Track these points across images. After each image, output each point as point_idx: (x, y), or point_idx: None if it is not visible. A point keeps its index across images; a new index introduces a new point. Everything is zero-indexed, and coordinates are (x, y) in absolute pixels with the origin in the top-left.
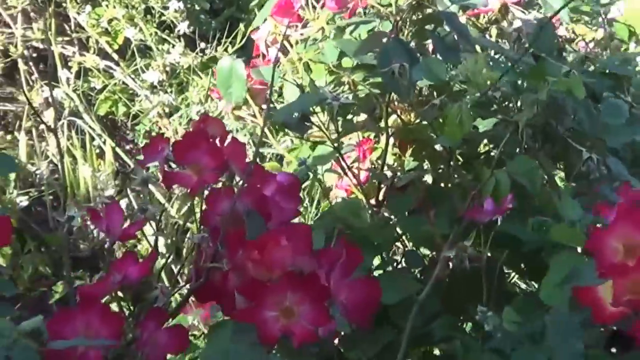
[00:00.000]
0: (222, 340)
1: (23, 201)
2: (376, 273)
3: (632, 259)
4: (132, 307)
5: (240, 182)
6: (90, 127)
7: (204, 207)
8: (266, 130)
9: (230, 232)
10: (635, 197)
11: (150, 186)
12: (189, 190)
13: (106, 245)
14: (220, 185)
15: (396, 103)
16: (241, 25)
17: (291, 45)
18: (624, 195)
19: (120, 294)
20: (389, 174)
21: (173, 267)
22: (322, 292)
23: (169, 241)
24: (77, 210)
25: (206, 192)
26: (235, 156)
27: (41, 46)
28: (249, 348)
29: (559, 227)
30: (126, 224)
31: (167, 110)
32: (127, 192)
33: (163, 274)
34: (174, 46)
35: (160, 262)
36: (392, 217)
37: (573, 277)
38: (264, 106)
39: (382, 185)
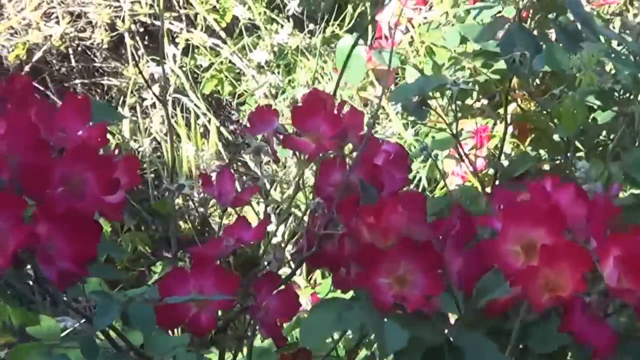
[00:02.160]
0: (337, 308)
1: None
2: None
3: (534, 258)
4: (243, 273)
5: (354, 153)
6: (195, 105)
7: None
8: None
9: (345, 199)
10: (510, 197)
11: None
12: (306, 157)
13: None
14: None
15: (516, 91)
16: (349, 7)
17: (414, 28)
18: (499, 199)
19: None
20: (505, 162)
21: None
22: (436, 261)
23: (278, 211)
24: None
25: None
26: (353, 125)
27: (148, 21)
28: (365, 312)
29: None
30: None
31: (273, 91)
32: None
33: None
34: (282, 26)
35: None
36: None
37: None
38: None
39: (499, 174)
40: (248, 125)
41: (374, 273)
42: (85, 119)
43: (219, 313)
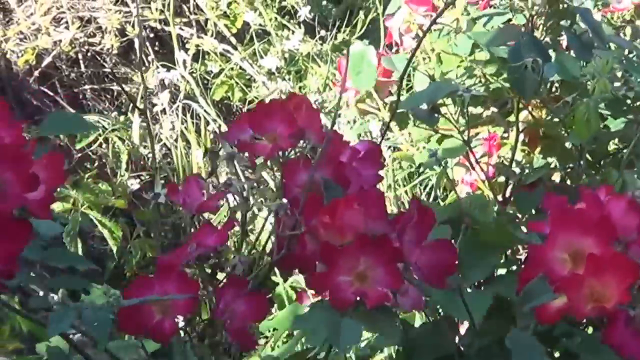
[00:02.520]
0: (298, 310)
1: (134, 184)
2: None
3: (580, 266)
4: (209, 278)
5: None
6: (205, 111)
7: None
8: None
9: (307, 198)
10: (560, 203)
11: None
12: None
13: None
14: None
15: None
16: (361, 13)
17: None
18: (548, 204)
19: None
20: (517, 170)
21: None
22: (394, 255)
23: (249, 214)
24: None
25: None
26: (310, 123)
27: (158, 26)
28: (323, 312)
29: None
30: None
31: (284, 97)
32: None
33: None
34: (293, 32)
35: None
36: (519, 214)
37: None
38: (389, 99)
39: (510, 182)
40: (226, 133)
41: (333, 271)
42: (4, 119)
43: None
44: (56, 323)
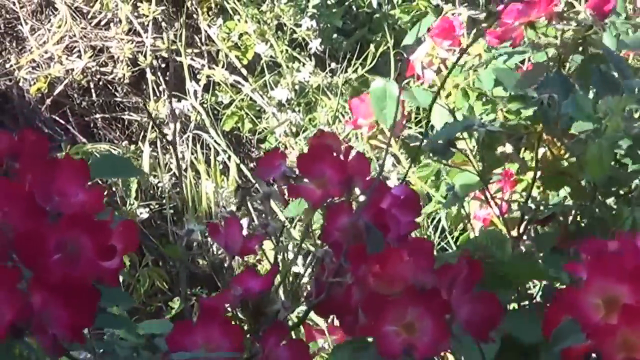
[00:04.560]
0: (344, 357)
1: (143, 213)
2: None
3: (613, 315)
4: (252, 323)
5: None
6: (215, 141)
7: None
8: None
9: (352, 246)
10: (599, 248)
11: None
12: (312, 204)
13: (226, 262)
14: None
15: (545, 135)
16: (372, 46)
17: (447, 69)
18: (586, 249)
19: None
20: (532, 206)
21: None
22: (443, 307)
23: (288, 258)
24: (197, 224)
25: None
26: (359, 171)
27: (169, 56)
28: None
29: None
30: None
31: (293, 129)
32: (248, 208)
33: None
34: (304, 64)
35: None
36: (534, 250)
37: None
38: (401, 134)
39: (525, 218)
40: (257, 170)
41: (381, 321)
42: (83, 181)
43: None
44: None
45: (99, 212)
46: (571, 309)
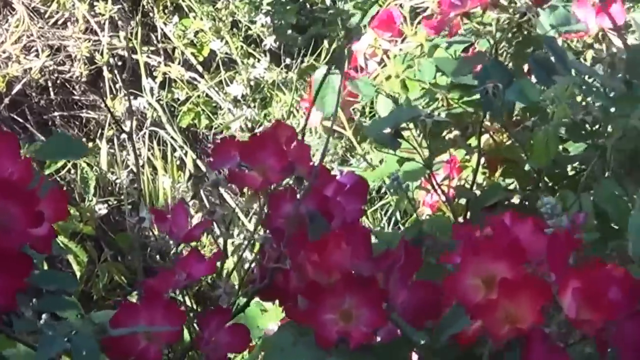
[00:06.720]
0: (283, 341)
1: (102, 209)
2: None
3: (494, 292)
4: (196, 306)
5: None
6: (172, 138)
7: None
8: (354, 141)
9: (293, 233)
10: (468, 232)
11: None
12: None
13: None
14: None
15: (489, 123)
16: (325, 42)
17: (389, 59)
18: (459, 235)
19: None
20: (477, 192)
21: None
22: (379, 295)
23: (236, 243)
24: (149, 213)
25: None
26: (301, 158)
27: (127, 54)
28: (307, 349)
29: None
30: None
31: (249, 124)
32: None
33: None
34: (259, 60)
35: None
36: None
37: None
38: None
39: (470, 204)
40: (212, 159)
41: (318, 309)
42: (13, 154)
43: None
44: (46, 347)
45: (29, 182)
46: (452, 293)
